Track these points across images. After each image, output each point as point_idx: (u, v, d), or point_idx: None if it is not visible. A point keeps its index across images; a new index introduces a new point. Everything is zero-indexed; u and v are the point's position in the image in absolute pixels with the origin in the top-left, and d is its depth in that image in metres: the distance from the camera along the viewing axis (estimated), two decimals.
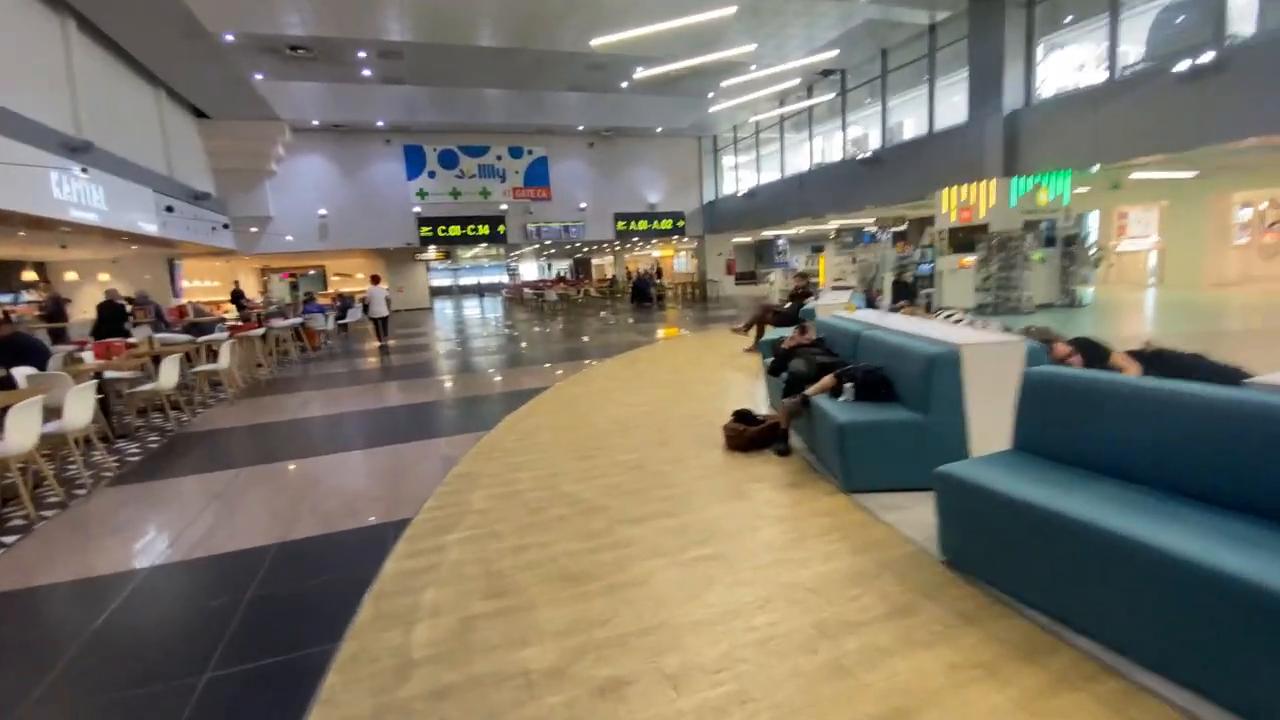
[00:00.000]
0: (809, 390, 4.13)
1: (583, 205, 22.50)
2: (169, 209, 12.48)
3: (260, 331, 10.39)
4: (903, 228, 22.59)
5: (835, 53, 13.52)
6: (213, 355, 8.42)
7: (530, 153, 21.83)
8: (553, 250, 32.99)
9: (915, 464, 3.27)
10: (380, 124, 19.51)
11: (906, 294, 12.00)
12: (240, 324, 11.53)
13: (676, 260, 40.04)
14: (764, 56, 14.96)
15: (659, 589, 2.66)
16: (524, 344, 12.48)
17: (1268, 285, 14.04)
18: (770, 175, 21.90)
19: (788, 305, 8.55)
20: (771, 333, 7.93)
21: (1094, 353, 3.67)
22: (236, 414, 7.01)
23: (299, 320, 12.60)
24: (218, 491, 4.38)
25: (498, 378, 8.55)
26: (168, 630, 2.71)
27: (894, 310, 7.46)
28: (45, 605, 2.99)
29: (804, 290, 8.68)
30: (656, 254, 38.57)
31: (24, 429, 4.02)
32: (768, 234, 28.62)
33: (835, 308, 7.03)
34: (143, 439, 5.99)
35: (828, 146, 19.35)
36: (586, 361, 9.29)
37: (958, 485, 2.63)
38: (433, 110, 18.84)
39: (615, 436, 5.18)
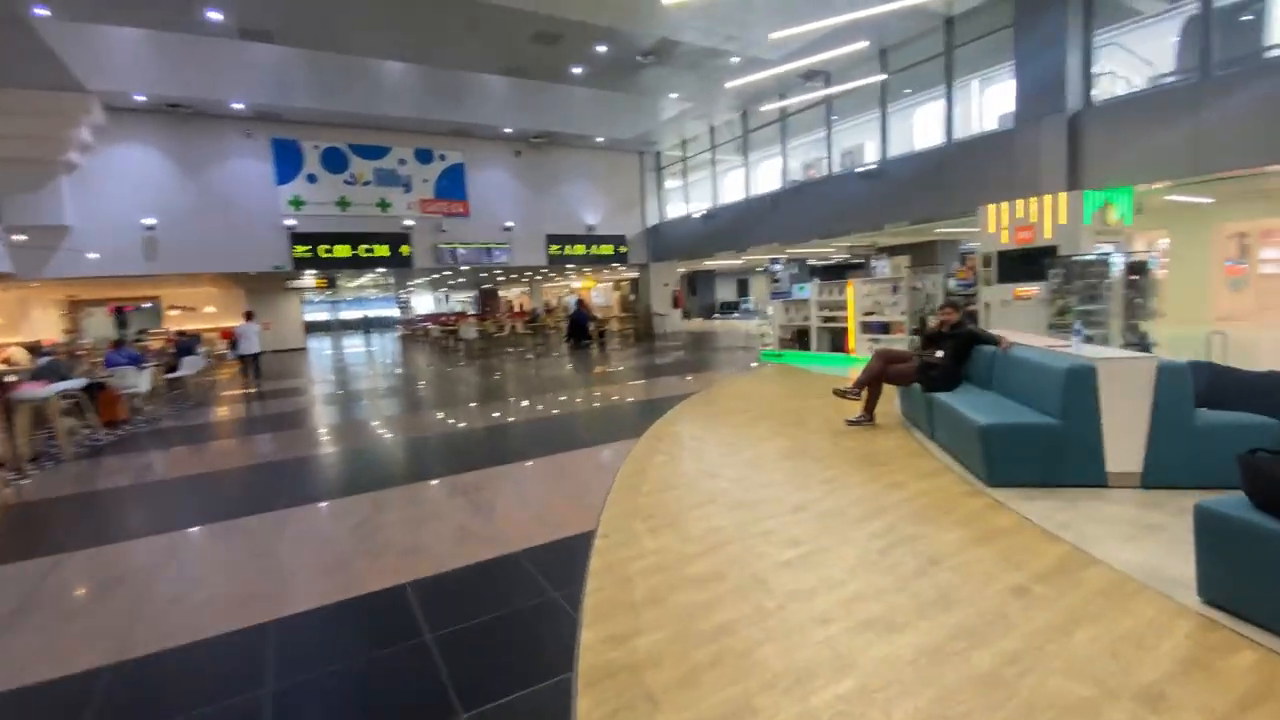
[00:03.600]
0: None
1: (508, 224, 18.59)
2: None
3: None
4: (861, 259, 20.71)
5: (864, 44, 10.90)
6: None
7: (443, 158, 17.70)
8: (455, 280, 28.46)
9: (1055, 463, 3.91)
10: (238, 106, 14.64)
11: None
12: None
13: (593, 293, 36.72)
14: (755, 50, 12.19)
15: None
16: (481, 418, 8.44)
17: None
18: (728, 196, 19.27)
19: (938, 354, 5.39)
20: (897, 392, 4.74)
21: None
22: None
23: (81, 382, 7.70)
24: None
25: (470, 496, 4.62)
26: None
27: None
28: None
29: (957, 325, 5.58)
30: (577, 284, 35.09)
31: None
32: (710, 264, 26.12)
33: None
34: None
35: (787, 165, 16.98)
36: (603, 451, 5.57)
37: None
38: (314, 94, 14.33)
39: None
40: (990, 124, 12.62)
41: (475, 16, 10.58)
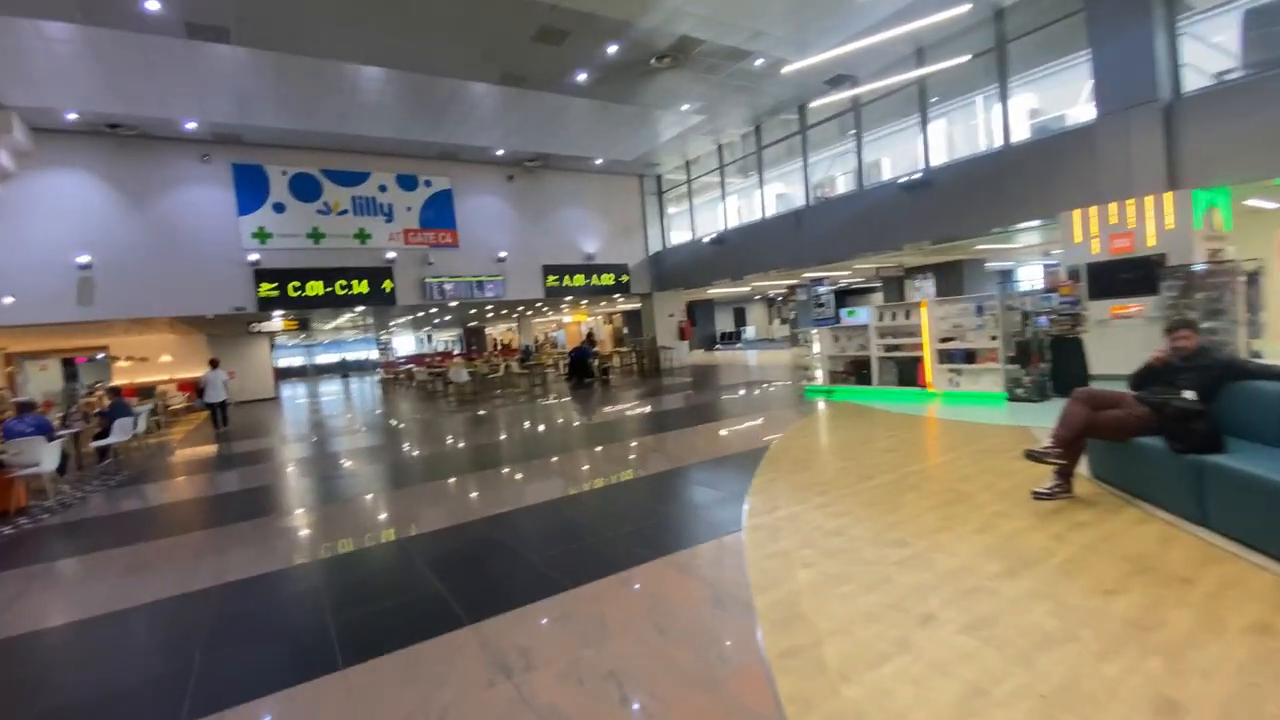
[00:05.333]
0: None
1: (502, 255, 16.85)
2: None
3: None
4: (873, 282, 19.37)
5: (967, 6, 9.29)
6: None
7: (428, 184, 16.00)
8: (441, 318, 26.56)
9: None
10: (191, 126, 12.83)
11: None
12: None
13: (582, 326, 35.03)
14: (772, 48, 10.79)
15: None
16: (497, 497, 6.53)
17: None
18: (735, 219, 17.85)
19: (1185, 395, 3.70)
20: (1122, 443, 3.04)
21: None
22: None
23: None
24: None
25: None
26: None
27: None
28: None
29: (1195, 354, 3.93)
30: (568, 319, 33.40)
31: None
32: (711, 293, 24.62)
33: None
34: None
35: (809, 180, 15.63)
36: (699, 562, 3.73)
37: None
38: (281, 112, 12.60)
39: None
40: (1022, 131, 11.27)
41: (473, 5, 9.00)
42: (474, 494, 5.93)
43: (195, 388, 15.56)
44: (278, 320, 17.41)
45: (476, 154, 16.02)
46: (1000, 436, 6.21)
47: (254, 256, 14.03)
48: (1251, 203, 10.37)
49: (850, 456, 5.90)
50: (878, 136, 14.43)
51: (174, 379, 20.07)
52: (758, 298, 34.40)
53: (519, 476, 6.46)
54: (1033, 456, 4.12)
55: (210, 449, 10.69)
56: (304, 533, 5.15)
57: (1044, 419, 6.86)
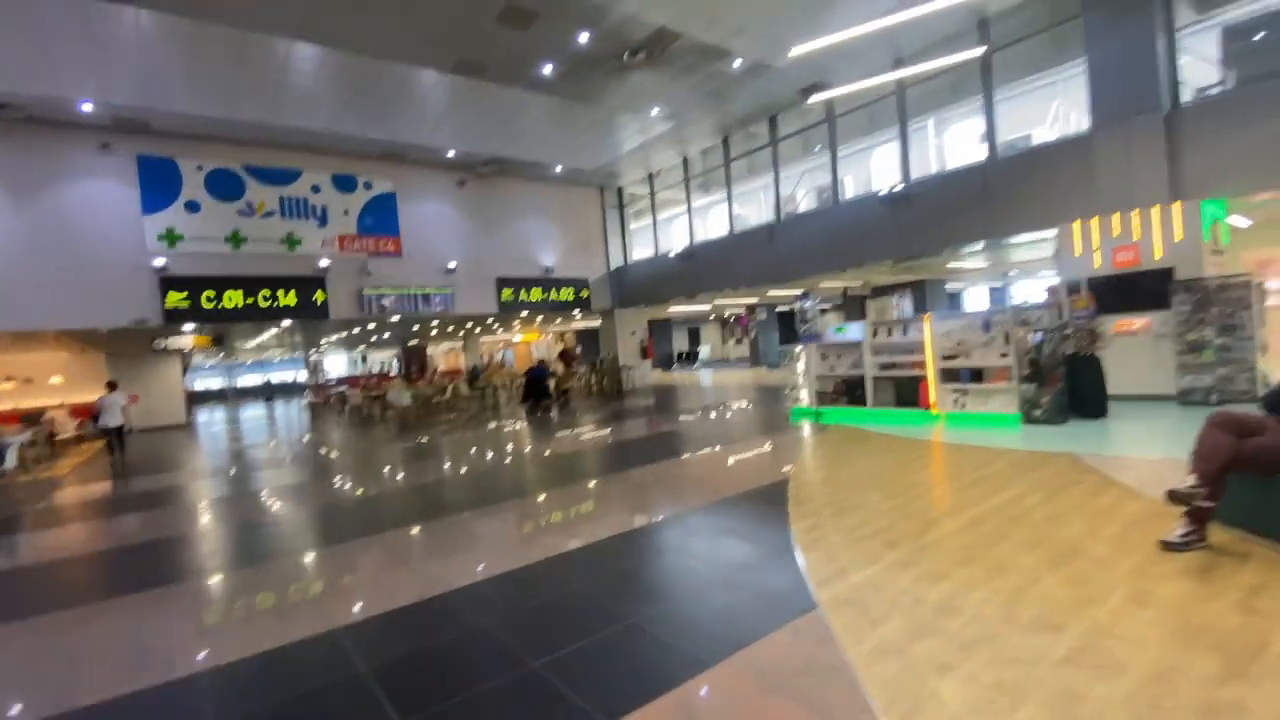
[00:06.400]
0: None
1: (451, 265, 15.45)
2: None
3: None
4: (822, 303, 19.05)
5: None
6: None
7: (369, 186, 14.51)
8: (380, 335, 24.66)
9: None
10: (88, 108, 11.01)
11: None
12: None
13: (533, 346, 33.63)
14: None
15: None
16: (456, 560, 5.25)
17: None
18: (705, 232, 17.14)
19: None
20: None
21: None
22: None
23: None
24: None
25: None
26: None
27: None
28: None
29: None
30: (518, 338, 31.93)
31: None
32: (671, 312, 23.83)
33: None
34: None
35: (779, 195, 15.11)
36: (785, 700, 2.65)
37: None
38: (197, 96, 10.98)
39: None
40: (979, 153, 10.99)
41: None
42: (430, 556, 4.66)
43: (91, 413, 13.43)
44: (188, 336, 15.36)
45: (424, 155, 14.68)
46: (1047, 465, 5.42)
47: (160, 261, 12.17)
48: (1229, 221, 10.32)
49: (892, 492, 4.96)
50: (852, 152, 14.02)
51: (65, 404, 17.51)
52: (713, 318, 33.91)
53: (485, 530, 5.21)
54: (1176, 498, 3.25)
55: (99, 487, 8.85)
56: (195, 622, 3.76)
57: (1071, 443, 6.18)
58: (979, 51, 9.92)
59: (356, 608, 3.59)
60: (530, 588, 3.70)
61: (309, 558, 4.72)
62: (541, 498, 5.96)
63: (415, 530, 5.17)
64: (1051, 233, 9.90)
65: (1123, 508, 4.13)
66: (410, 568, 4.29)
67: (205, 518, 6.42)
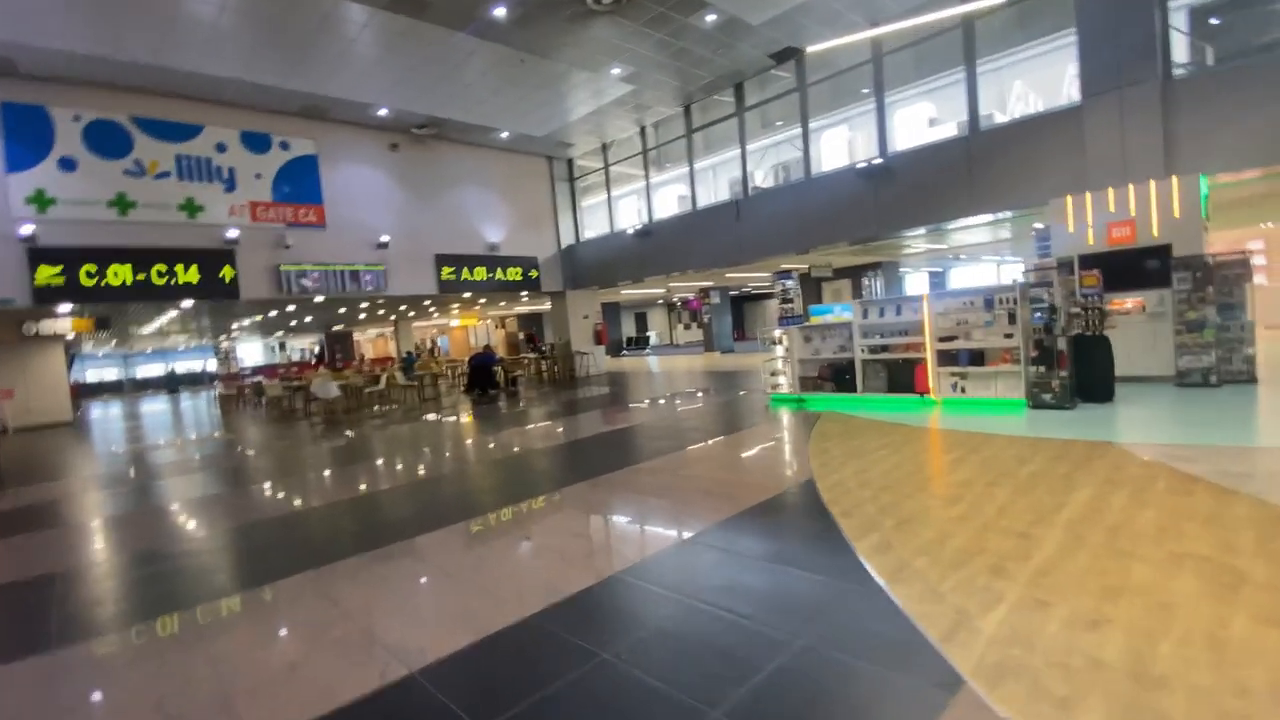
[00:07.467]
0: None
1: (384, 239, 13.85)
2: None
3: None
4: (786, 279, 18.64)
5: None
6: None
7: (285, 146, 12.70)
8: (301, 320, 22.46)
9: None
10: None
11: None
12: None
13: (471, 332, 31.96)
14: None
15: None
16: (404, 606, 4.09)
17: None
18: (662, 209, 16.20)
19: None
20: None
21: None
22: None
23: None
24: None
25: None
26: None
27: None
28: None
29: None
30: (455, 323, 30.13)
31: None
32: (622, 295, 22.85)
33: None
34: None
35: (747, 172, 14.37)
36: None
37: None
38: (74, 31, 9.03)
39: None
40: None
41: None
42: (384, 610, 3.53)
43: None
44: (66, 320, 13.12)
45: (351, 112, 12.99)
46: (1095, 456, 4.81)
47: (28, 229, 10.11)
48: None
49: (946, 496, 4.20)
50: (826, 123, 13.39)
51: None
52: (660, 302, 33.13)
53: (447, 567, 4.11)
54: None
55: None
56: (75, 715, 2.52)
57: (1094, 430, 5.69)
58: (960, 9, 9.36)
59: (274, 694, 2.45)
60: (519, 666, 2.67)
61: (210, 611, 3.49)
62: (501, 514, 4.89)
63: (345, 566, 4.01)
64: (1007, 215, 9.61)
65: (1231, 511, 3.49)
66: (347, 635, 3.16)
67: (97, 542, 4.98)
